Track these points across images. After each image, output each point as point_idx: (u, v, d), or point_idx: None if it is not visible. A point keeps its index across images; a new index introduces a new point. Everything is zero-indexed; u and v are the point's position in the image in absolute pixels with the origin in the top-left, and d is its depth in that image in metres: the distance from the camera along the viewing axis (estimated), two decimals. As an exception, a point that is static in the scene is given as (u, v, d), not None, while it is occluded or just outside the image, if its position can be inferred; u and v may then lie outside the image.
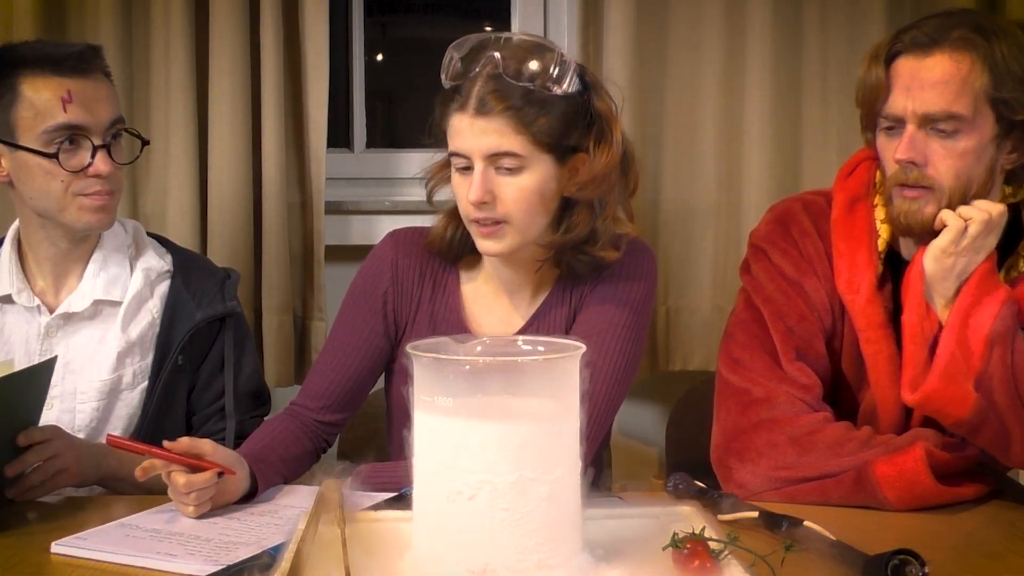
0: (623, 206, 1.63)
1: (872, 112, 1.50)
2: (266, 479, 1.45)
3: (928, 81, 1.43)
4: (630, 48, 2.22)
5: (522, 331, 1.61)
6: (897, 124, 1.47)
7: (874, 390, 1.54)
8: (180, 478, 1.32)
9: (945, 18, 1.47)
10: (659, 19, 2.28)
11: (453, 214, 1.61)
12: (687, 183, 2.30)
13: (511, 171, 1.48)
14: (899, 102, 1.46)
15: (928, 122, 1.45)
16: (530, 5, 2.44)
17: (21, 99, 1.54)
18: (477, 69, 1.48)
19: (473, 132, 1.47)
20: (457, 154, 1.50)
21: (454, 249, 1.64)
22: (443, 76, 1.52)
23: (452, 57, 1.52)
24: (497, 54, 1.47)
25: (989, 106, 1.43)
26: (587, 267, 1.59)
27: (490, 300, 1.65)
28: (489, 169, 1.48)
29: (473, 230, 1.54)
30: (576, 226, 1.54)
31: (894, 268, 1.56)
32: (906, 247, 1.56)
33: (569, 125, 1.51)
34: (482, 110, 1.46)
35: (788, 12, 2.27)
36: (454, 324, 1.63)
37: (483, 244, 1.53)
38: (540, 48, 1.49)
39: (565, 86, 1.49)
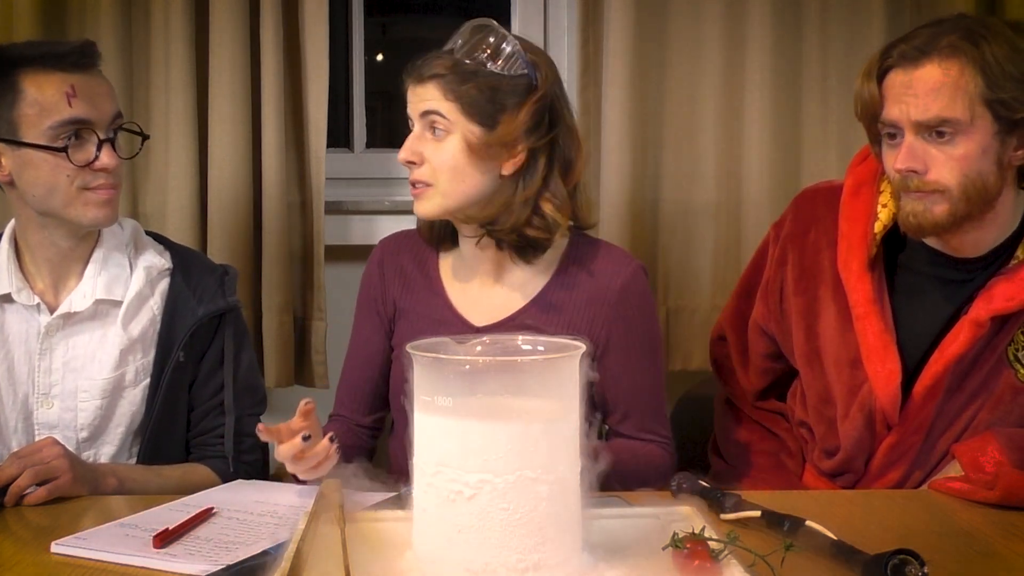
0: (555, 195, 1.65)
1: (873, 124, 1.54)
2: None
3: (920, 90, 1.45)
4: (630, 48, 2.22)
5: (503, 323, 1.67)
6: (897, 131, 1.50)
7: (866, 366, 1.58)
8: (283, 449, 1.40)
9: (934, 27, 1.48)
10: (659, 19, 2.28)
11: None
12: (687, 183, 2.30)
13: (437, 134, 1.60)
14: (894, 111, 1.49)
15: (924, 129, 1.46)
16: (530, 5, 2.44)
17: (24, 96, 1.54)
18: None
19: (413, 98, 1.62)
20: (409, 117, 1.64)
21: (435, 233, 1.75)
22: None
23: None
24: (458, 42, 1.61)
25: (986, 108, 1.44)
26: (520, 247, 1.65)
27: (468, 286, 1.73)
28: (425, 132, 1.61)
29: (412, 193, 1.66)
30: (500, 205, 1.62)
31: (891, 250, 1.62)
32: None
33: (498, 99, 1.58)
34: (418, 78, 1.61)
35: (788, 12, 2.27)
36: (435, 306, 1.72)
37: (414, 206, 1.65)
38: (482, 29, 1.62)
39: (500, 63, 1.59)
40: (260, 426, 1.41)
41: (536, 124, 1.60)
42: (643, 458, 1.65)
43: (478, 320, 1.69)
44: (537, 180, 1.62)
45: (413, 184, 1.62)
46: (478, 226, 1.65)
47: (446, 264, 1.75)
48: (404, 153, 1.60)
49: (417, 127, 1.61)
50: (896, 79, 1.48)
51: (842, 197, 1.65)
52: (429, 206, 1.62)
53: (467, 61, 1.59)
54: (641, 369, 1.68)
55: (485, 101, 1.58)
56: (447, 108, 1.58)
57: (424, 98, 1.59)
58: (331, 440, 1.42)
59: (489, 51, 1.59)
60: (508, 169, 1.61)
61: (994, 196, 1.49)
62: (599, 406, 1.68)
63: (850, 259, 1.60)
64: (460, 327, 1.68)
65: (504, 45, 1.60)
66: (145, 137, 1.70)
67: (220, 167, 2.20)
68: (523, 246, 1.65)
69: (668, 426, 1.72)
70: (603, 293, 1.66)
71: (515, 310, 1.68)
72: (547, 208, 1.62)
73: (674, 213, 2.31)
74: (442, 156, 1.59)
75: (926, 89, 1.45)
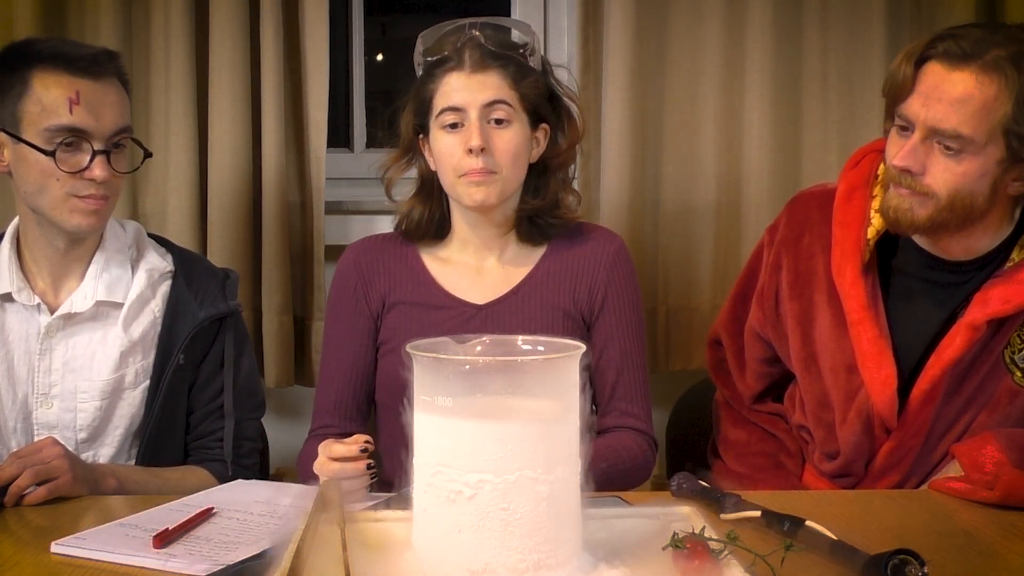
0: (571, 177, 1.84)
1: (892, 106, 1.51)
2: None
3: (948, 95, 1.42)
4: (630, 48, 2.22)
5: (506, 297, 1.72)
6: (909, 126, 1.48)
7: (862, 372, 1.58)
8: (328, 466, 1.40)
9: (989, 32, 1.44)
10: (659, 19, 2.28)
11: (419, 195, 1.77)
12: (687, 183, 2.30)
13: (501, 123, 1.65)
14: (914, 107, 1.46)
15: (935, 135, 1.44)
16: (530, 5, 2.44)
17: (30, 92, 1.55)
18: (460, 43, 1.65)
19: (470, 87, 1.64)
20: (451, 108, 1.64)
21: (422, 228, 1.76)
22: (420, 56, 1.70)
23: (422, 44, 1.69)
24: (476, 32, 1.65)
25: (1002, 136, 1.42)
26: (551, 229, 1.74)
27: (460, 269, 1.75)
28: (482, 121, 1.63)
29: (461, 185, 1.66)
30: (547, 193, 1.73)
31: (884, 254, 1.61)
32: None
33: (540, 96, 1.70)
34: (478, 67, 1.64)
35: (788, 12, 2.27)
36: (428, 294, 1.73)
37: (473, 193, 1.65)
38: (511, 27, 1.70)
39: (537, 60, 1.71)
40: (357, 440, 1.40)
41: (556, 114, 1.74)
42: (623, 452, 1.65)
43: (479, 299, 1.72)
44: (564, 164, 1.76)
45: (473, 171, 1.63)
46: (511, 214, 1.72)
47: (430, 257, 1.77)
48: (478, 139, 1.62)
49: (474, 115, 1.63)
50: (931, 74, 1.44)
51: (835, 202, 1.64)
52: (493, 192, 1.65)
53: (512, 54, 1.66)
54: (631, 335, 1.73)
55: (535, 98, 1.68)
56: (511, 96, 1.65)
57: (487, 85, 1.64)
58: (372, 476, 1.41)
59: (529, 50, 1.68)
60: (535, 157, 1.71)
61: (978, 214, 1.49)
62: (590, 378, 1.70)
63: (844, 265, 1.60)
64: (460, 309, 1.69)
65: (536, 46, 1.69)
66: (148, 154, 1.70)
67: (220, 167, 2.20)
68: (543, 228, 1.73)
69: (650, 406, 1.74)
70: (599, 257, 1.74)
71: (517, 282, 1.72)
72: (571, 190, 1.77)
73: (674, 213, 2.31)
74: (505, 144, 1.65)
75: (953, 97, 1.42)
